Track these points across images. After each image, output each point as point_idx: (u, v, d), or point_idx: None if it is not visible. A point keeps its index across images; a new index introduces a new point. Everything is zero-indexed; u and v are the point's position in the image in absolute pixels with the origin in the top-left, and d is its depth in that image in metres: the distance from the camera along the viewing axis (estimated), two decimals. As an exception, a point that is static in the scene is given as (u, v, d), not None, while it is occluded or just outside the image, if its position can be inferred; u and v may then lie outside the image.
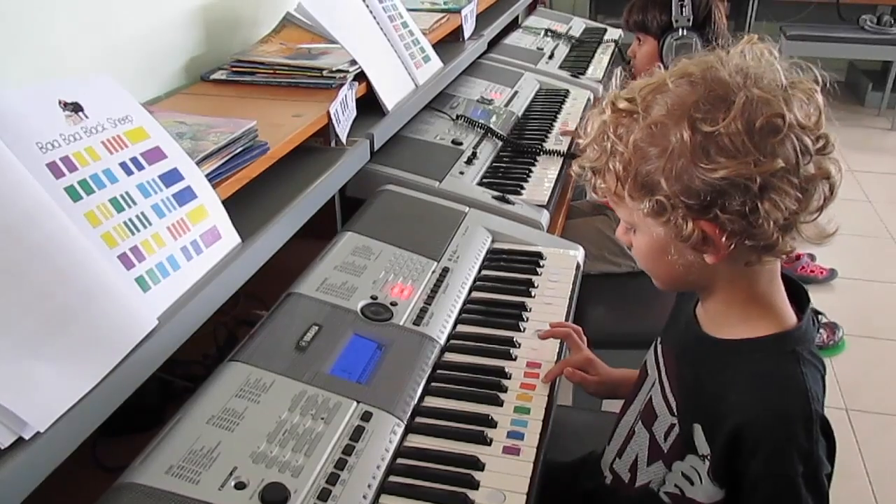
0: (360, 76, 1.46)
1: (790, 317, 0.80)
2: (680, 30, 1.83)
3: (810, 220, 0.74)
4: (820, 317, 2.40)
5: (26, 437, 0.66)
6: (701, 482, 0.81)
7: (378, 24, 1.64)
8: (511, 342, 1.12)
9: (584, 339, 1.14)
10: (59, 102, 0.84)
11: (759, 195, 0.70)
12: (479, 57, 2.27)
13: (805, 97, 0.72)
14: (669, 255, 0.78)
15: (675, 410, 0.86)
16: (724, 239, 0.73)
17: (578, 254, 1.39)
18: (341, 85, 1.39)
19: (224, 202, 0.99)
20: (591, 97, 2.32)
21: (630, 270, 1.86)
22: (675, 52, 1.81)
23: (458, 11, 2.16)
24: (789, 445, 0.74)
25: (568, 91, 2.32)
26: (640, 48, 1.97)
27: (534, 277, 1.29)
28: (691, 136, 0.70)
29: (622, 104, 0.76)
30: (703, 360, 0.84)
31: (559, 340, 1.13)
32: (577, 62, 2.67)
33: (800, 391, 0.75)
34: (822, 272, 2.81)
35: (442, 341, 1.09)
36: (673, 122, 0.72)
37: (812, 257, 2.85)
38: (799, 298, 0.83)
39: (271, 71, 1.45)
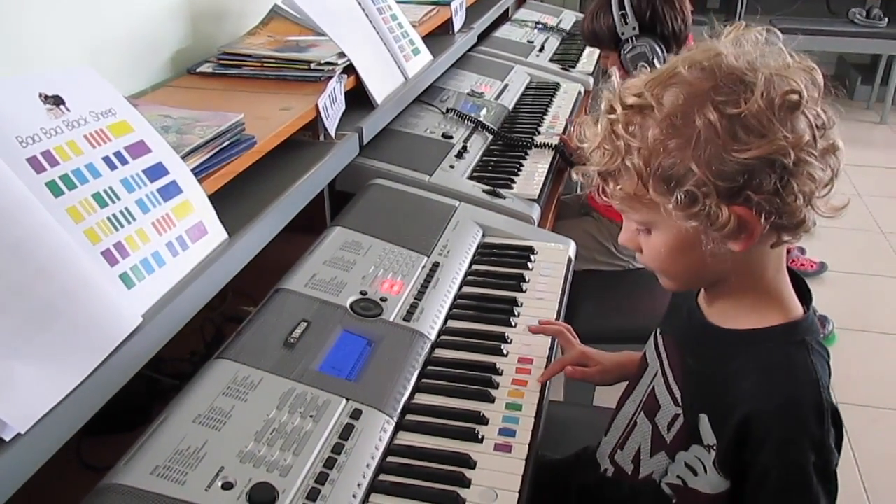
0: (349, 69, 1.45)
1: (797, 307, 0.80)
2: (630, 40, 1.71)
3: (824, 195, 0.74)
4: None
5: (7, 439, 0.65)
6: (706, 472, 0.80)
7: (367, 16, 1.63)
8: (502, 338, 1.11)
9: (575, 336, 1.12)
10: (40, 95, 0.82)
11: (791, 170, 0.69)
12: (469, 50, 2.26)
13: (806, 75, 0.72)
14: (703, 247, 0.76)
15: (679, 401, 0.85)
16: (761, 220, 0.71)
17: (570, 248, 1.38)
18: (330, 78, 1.38)
19: (210, 197, 0.97)
20: (582, 90, 2.32)
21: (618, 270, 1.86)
22: (632, 63, 1.70)
23: (448, 4, 2.15)
24: (801, 434, 0.74)
25: (559, 84, 2.32)
26: (608, 62, 1.87)
27: (525, 272, 1.28)
28: (719, 119, 0.69)
29: (631, 100, 0.74)
30: (710, 349, 0.83)
31: (551, 336, 1.12)
32: (568, 55, 2.66)
33: (811, 380, 0.75)
34: (812, 266, 2.81)
35: (432, 337, 1.08)
36: (695, 108, 0.70)
37: (802, 251, 2.86)
38: (801, 290, 0.82)
39: (259, 64, 1.43)
